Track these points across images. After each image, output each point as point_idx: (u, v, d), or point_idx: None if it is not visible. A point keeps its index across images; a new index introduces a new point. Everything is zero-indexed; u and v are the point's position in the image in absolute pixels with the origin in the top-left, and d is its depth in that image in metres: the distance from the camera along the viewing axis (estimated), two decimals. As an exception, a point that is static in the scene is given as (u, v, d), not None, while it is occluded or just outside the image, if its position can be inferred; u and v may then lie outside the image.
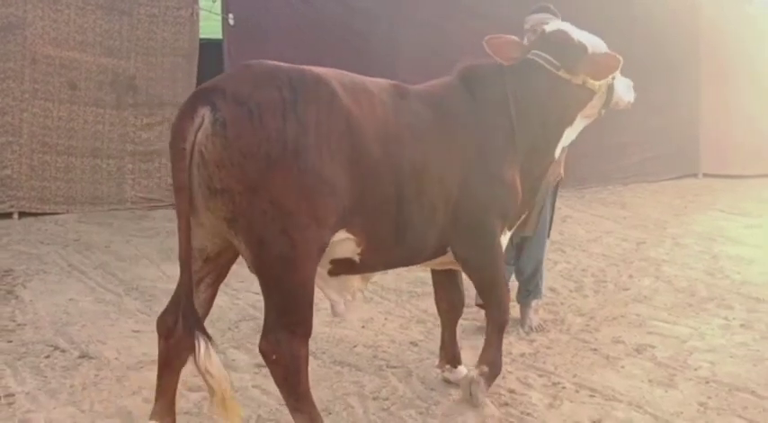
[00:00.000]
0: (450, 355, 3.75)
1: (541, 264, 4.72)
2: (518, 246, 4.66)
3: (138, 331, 4.29)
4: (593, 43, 3.54)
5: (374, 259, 3.05)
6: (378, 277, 4.97)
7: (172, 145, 2.61)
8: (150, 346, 3.64)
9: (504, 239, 3.55)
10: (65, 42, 7.21)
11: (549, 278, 5.63)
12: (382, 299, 5.07)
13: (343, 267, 3.02)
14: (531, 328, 4.59)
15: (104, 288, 5.11)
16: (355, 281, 3.20)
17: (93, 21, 7.37)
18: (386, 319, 4.70)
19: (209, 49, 8.20)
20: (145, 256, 5.83)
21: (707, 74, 10.67)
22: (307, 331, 2.78)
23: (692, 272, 5.99)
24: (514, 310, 4.54)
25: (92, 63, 7.40)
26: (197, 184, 2.59)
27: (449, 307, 3.75)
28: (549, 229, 4.77)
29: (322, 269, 2.99)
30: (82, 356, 3.89)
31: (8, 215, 6.99)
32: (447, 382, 3.72)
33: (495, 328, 3.54)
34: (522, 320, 4.66)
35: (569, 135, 3.65)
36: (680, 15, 10.56)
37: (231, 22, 8.05)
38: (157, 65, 7.75)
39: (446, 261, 3.40)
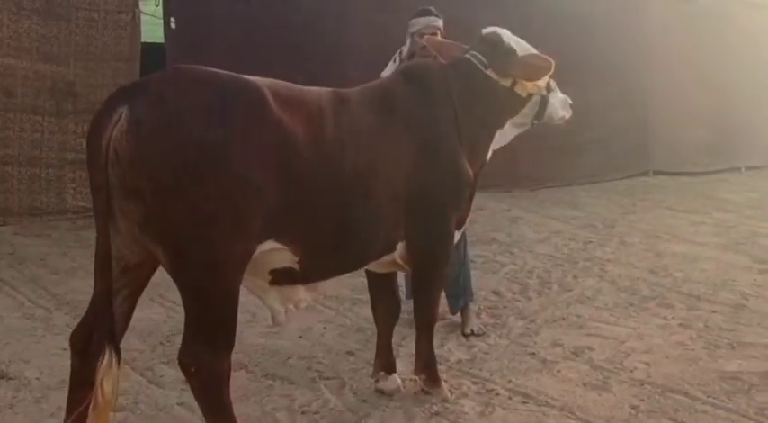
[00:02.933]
0: (384, 363, 3.70)
1: (463, 265, 4.66)
2: None
3: (65, 349, 4.08)
4: (524, 48, 3.59)
5: (317, 268, 3.01)
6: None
7: (88, 142, 2.55)
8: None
9: (455, 237, 3.54)
10: (-3, 48, 7.00)
11: (493, 281, 5.66)
12: (324, 307, 4.98)
13: (284, 277, 2.96)
14: (473, 332, 4.54)
15: (34, 303, 4.93)
16: (300, 291, 3.12)
17: (29, 26, 7.14)
18: (324, 328, 4.61)
19: (152, 53, 8.03)
20: (82, 268, 5.64)
21: (655, 72, 10.76)
22: (228, 344, 2.71)
23: (635, 271, 6.02)
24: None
25: (28, 69, 7.18)
26: (112, 185, 2.50)
27: (385, 313, 3.71)
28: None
29: (262, 280, 2.95)
30: (0, 377, 3.74)
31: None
32: (380, 392, 3.64)
33: (424, 325, 3.58)
34: (462, 325, 4.61)
35: (499, 139, 3.69)
36: (628, 15, 10.64)
37: (173, 25, 7.91)
38: (98, 70, 7.54)
39: (389, 261, 3.37)
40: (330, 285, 3.64)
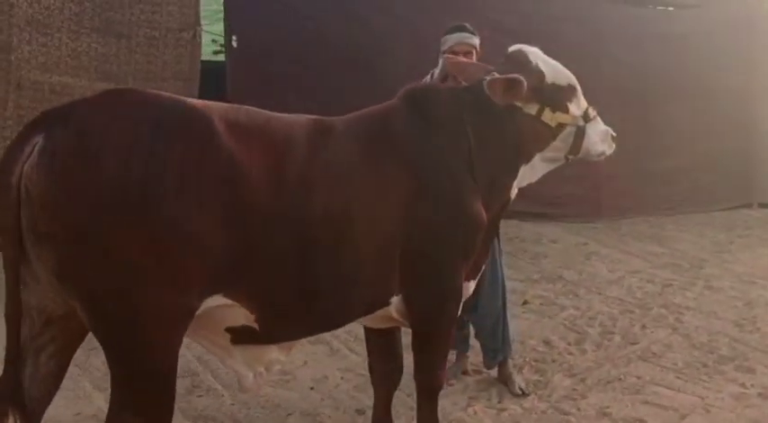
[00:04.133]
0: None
1: (503, 316, 4.11)
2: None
3: None
4: (557, 73, 3.05)
5: (280, 328, 2.57)
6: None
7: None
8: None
9: (468, 289, 3.04)
10: (55, 67, 6.94)
11: (547, 328, 5.06)
12: (350, 351, 4.52)
13: (245, 337, 2.53)
14: (522, 392, 3.98)
15: None
16: (270, 351, 2.68)
17: (88, 44, 7.08)
18: (342, 378, 4.15)
19: (211, 72, 7.85)
20: None
21: (760, 98, 9.81)
22: (161, 417, 2.31)
23: (717, 323, 5.26)
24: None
25: (86, 88, 7.07)
26: (25, 227, 2.14)
27: (383, 375, 3.22)
28: (502, 272, 4.12)
29: (221, 339, 2.55)
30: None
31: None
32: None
33: (425, 394, 3.04)
34: (507, 384, 4.07)
35: (526, 175, 3.13)
36: (731, 35, 9.75)
37: (234, 43, 7.72)
38: (157, 89, 7.34)
39: (383, 316, 2.86)
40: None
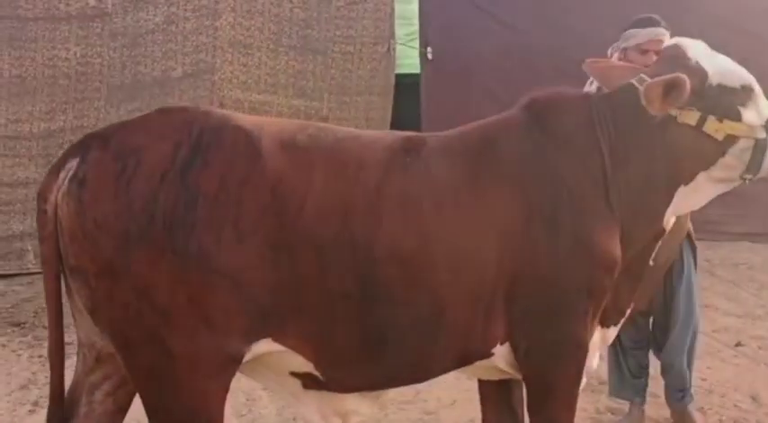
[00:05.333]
0: None
1: (689, 353, 3.49)
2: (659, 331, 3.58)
3: None
4: (725, 72, 2.44)
5: (343, 376, 2.23)
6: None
7: (37, 205, 2.08)
8: None
9: (601, 336, 2.54)
10: (255, 85, 7.16)
11: (761, 378, 4.23)
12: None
13: (313, 383, 2.25)
14: None
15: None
16: (349, 400, 2.33)
17: (286, 62, 7.24)
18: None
19: (405, 85, 7.69)
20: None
21: None
22: None
23: None
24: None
25: (283, 105, 7.26)
26: (63, 259, 2.03)
27: None
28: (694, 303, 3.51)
29: (291, 383, 2.28)
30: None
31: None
32: None
33: None
34: None
35: (688, 198, 2.51)
36: None
37: (429, 55, 7.50)
38: (351, 104, 7.42)
39: (490, 368, 2.43)
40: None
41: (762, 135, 2.42)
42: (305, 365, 2.18)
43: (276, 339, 2.09)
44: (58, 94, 6.94)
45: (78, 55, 6.95)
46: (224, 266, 1.97)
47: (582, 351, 2.40)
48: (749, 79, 2.46)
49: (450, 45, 7.53)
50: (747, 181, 2.52)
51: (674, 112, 2.37)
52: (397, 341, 2.19)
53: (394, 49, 7.47)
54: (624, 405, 3.75)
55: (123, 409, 2.29)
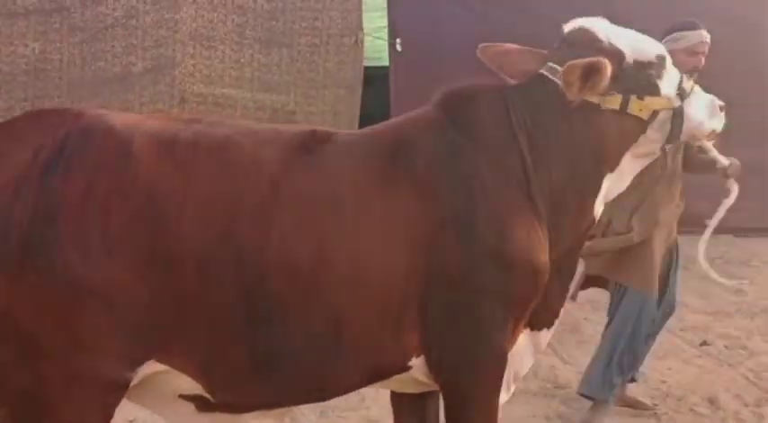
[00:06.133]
0: None
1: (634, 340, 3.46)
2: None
3: None
4: (638, 46, 2.32)
5: (235, 398, 2.04)
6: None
7: None
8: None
9: (534, 341, 2.39)
10: (219, 79, 6.99)
11: (722, 380, 4.12)
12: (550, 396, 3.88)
13: (206, 405, 2.05)
14: None
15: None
16: (244, 421, 2.16)
17: (250, 55, 7.07)
18: None
19: (375, 78, 7.52)
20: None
21: None
22: None
23: None
24: None
25: (248, 99, 7.11)
26: None
27: None
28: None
29: (183, 407, 2.08)
30: None
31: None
32: None
33: None
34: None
35: (615, 184, 2.41)
36: None
37: (399, 47, 7.32)
38: (318, 98, 7.26)
39: (408, 381, 2.25)
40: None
41: (677, 103, 2.33)
42: (193, 387, 1.99)
43: (160, 360, 1.91)
44: (17, 91, 6.80)
45: (37, 51, 6.80)
46: (91, 283, 1.79)
47: (501, 360, 2.24)
48: (659, 48, 2.36)
49: (420, 37, 7.35)
50: (666, 150, 2.49)
51: (595, 99, 2.23)
52: (290, 360, 2.01)
53: (362, 41, 7.29)
54: (576, 411, 3.61)
55: None
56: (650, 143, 2.38)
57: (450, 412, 2.28)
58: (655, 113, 2.31)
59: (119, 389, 1.89)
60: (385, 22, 7.44)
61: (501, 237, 2.14)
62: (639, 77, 2.30)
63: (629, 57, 2.28)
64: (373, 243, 2.04)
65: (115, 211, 1.83)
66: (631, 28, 2.40)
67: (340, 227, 2.01)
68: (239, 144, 2.01)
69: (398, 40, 7.30)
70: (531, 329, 2.36)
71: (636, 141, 2.35)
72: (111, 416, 1.92)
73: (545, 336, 2.42)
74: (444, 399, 2.29)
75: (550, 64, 2.27)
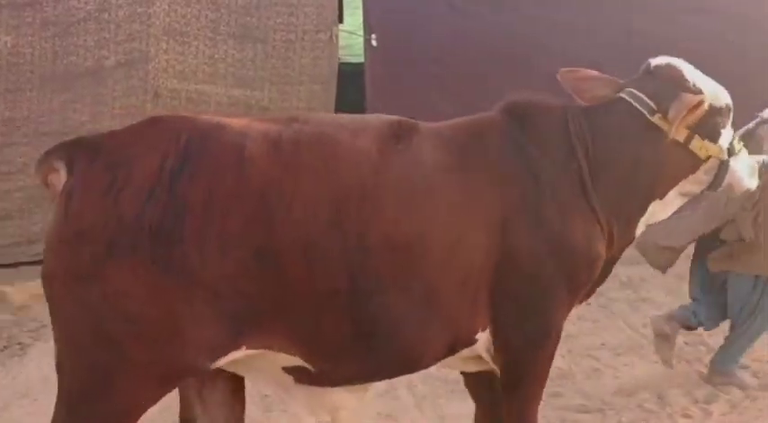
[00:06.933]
0: None
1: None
2: None
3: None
4: (716, 93, 2.64)
5: (336, 370, 2.28)
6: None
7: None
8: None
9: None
10: (192, 75, 6.95)
11: (677, 375, 4.04)
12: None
13: (305, 377, 2.30)
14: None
15: None
16: (337, 395, 2.38)
17: (225, 51, 7.02)
18: None
19: (352, 74, 7.49)
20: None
21: None
22: None
23: None
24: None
25: (222, 95, 7.05)
26: None
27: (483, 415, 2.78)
28: None
29: (283, 377, 2.32)
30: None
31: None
32: None
33: None
34: None
35: (656, 212, 2.70)
36: None
37: (374, 43, 7.28)
38: (293, 94, 7.20)
39: (469, 356, 2.51)
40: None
41: (725, 157, 2.63)
42: (295, 361, 2.21)
43: (250, 347, 2.13)
44: (-11, 85, 6.76)
45: (9, 45, 6.74)
46: (204, 279, 2.00)
47: (558, 339, 2.53)
48: (729, 100, 2.65)
49: (396, 32, 7.31)
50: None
51: (664, 127, 2.52)
52: (389, 331, 2.22)
53: (337, 37, 7.26)
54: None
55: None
56: (696, 184, 2.68)
57: (507, 386, 2.53)
58: (708, 158, 2.60)
59: (188, 375, 2.15)
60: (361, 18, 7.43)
61: (564, 225, 2.42)
62: (708, 121, 2.59)
63: (708, 100, 2.56)
64: (458, 224, 2.30)
65: (232, 212, 2.04)
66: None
67: (432, 210, 2.26)
68: (336, 138, 2.24)
69: (374, 36, 7.25)
70: None
71: (686, 178, 2.64)
72: (162, 397, 2.14)
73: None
74: (503, 373, 2.51)
75: (631, 90, 2.59)
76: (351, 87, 7.32)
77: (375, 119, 2.46)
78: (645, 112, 2.56)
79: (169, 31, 6.84)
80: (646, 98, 2.56)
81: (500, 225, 2.34)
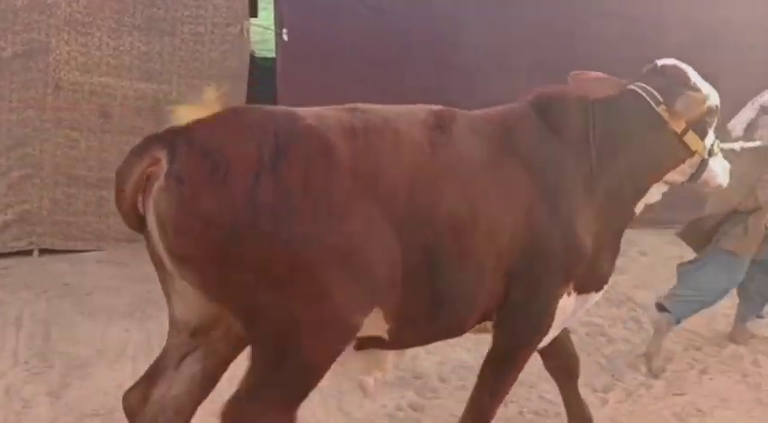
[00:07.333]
0: (578, 416, 3.33)
1: None
2: None
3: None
4: (713, 95, 3.00)
5: (407, 336, 2.62)
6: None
7: (116, 186, 2.32)
8: None
9: (581, 304, 2.99)
10: (96, 67, 6.72)
11: None
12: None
13: (370, 343, 2.60)
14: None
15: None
16: (389, 355, 2.76)
17: (130, 43, 6.81)
18: None
19: (266, 69, 7.39)
20: (115, 310, 5.08)
21: None
22: (290, 414, 2.36)
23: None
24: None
25: (128, 88, 6.85)
26: (161, 246, 2.28)
27: (560, 367, 3.34)
28: None
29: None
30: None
31: (28, 252, 6.58)
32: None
33: (482, 406, 3.00)
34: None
35: (653, 194, 3.08)
36: None
37: (285, 37, 7.20)
38: (201, 88, 6.98)
39: (485, 329, 2.89)
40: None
41: (706, 156, 3.01)
42: (379, 329, 2.48)
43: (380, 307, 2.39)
44: None
45: None
46: (327, 246, 2.22)
47: (548, 322, 2.83)
48: (718, 102, 3.00)
49: (308, 27, 7.24)
50: (683, 186, 3.15)
51: (666, 117, 2.88)
52: (453, 301, 2.54)
53: (248, 31, 7.15)
54: (428, 401, 3.60)
55: (211, 377, 2.55)
56: (680, 175, 3.05)
57: (493, 358, 2.91)
58: (694, 153, 2.97)
59: (353, 333, 2.37)
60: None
61: (573, 217, 2.72)
62: (702, 119, 2.96)
63: (709, 99, 2.92)
64: (498, 206, 2.60)
65: (331, 192, 2.25)
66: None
67: (477, 195, 2.54)
68: (396, 127, 2.48)
69: (285, 31, 7.17)
70: (579, 293, 2.92)
71: (676, 167, 3.01)
72: (339, 353, 2.39)
73: (594, 297, 3.05)
74: (496, 344, 2.87)
75: (641, 84, 2.93)
76: (267, 82, 7.23)
77: (419, 109, 2.67)
78: (652, 103, 2.90)
79: (70, 21, 6.59)
80: (654, 91, 2.91)
81: (526, 211, 2.65)
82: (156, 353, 2.62)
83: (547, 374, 3.98)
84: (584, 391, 3.82)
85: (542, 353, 3.19)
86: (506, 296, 2.71)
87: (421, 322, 2.55)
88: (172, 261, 2.25)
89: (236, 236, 2.15)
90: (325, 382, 3.78)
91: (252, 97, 7.21)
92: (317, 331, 2.28)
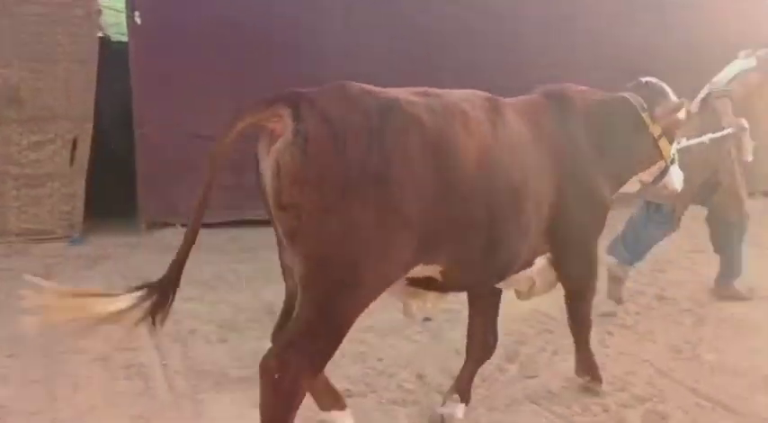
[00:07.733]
0: (462, 390, 3.50)
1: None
2: None
3: None
4: (683, 109, 3.75)
5: (459, 281, 2.98)
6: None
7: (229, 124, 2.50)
8: None
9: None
10: (-76, 49, 6.19)
11: (434, 355, 4.15)
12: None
13: (421, 284, 2.95)
14: None
15: None
16: (430, 296, 3.08)
17: (-36, 23, 6.31)
18: None
19: (120, 53, 7.04)
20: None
21: None
22: (323, 364, 2.60)
23: (650, 348, 4.27)
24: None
25: (-35, 71, 6.35)
26: (267, 195, 2.51)
27: (479, 347, 3.53)
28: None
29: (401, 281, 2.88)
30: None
31: None
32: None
33: (581, 336, 3.73)
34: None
35: (631, 186, 3.83)
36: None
37: (138, 20, 6.88)
38: (47, 73, 6.65)
39: (525, 276, 3.33)
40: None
41: (668, 163, 3.78)
42: (432, 272, 2.82)
43: (426, 263, 2.74)
44: None
45: None
46: (406, 214, 2.52)
47: (596, 263, 3.57)
48: (684, 116, 3.81)
49: (162, 10, 6.95)
50: (640, 188, 3.93)
51: (648, 121, 3.63)
52: (503, 251, 2.94)
53: (98, 13, 6.78)
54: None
55: None
56: (649, 175, 3.83)
57: (570, 298, 3.64)
58: (662, 158, 3.74)
59: (389, 285, 2.65)
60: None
61: (595, 185, 3.38)
62: (672, 129, 3.75)
63: (682, 112, 3.71)
64: (539, 176, 3.09)
65: (419, 162, 2.56)
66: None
67: (527, 167, 3.00)
68: (464, 108, 2.82)
69: (137, 14, 6.86)
70: None
71: (649, 168, 3.79)
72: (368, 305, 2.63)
73: None
74: (566, 289, 3.58)
75: (629, 93, 3.70)
76: (122, 67, 6.89)
77: (473, 95, 3.01)
78: (638, 108, 3.63)
79: None
80: (640, 99, 3.66)
81: (558, 179, 3.19)
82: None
83: (405, 363, 4.06)
84: (440, 377, 3.88)
85: (470, 328, 3.55)
86: (554, 247, 3.30)
87: (474, 269, 2.91)
88: (276, 207, 2.45)
89: (344, 193, 2.41)
90: (179, 381, 3.66)
91: (105, 82, 6.88)
92: (368, 283, 2.55)
